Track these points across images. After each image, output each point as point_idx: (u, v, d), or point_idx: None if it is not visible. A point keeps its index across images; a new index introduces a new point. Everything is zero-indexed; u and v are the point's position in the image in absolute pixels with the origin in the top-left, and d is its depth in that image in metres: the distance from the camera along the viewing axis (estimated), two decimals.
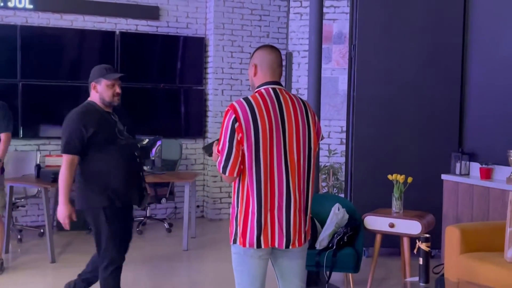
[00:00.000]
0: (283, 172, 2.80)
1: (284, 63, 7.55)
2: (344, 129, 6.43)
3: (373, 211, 4.80)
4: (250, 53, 7.88)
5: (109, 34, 7.39)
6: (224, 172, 2.79)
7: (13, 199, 6.21)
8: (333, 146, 6.80)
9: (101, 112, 3.80)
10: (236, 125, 2.74)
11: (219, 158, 2.80)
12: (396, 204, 4.72)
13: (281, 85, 2.94)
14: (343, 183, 6.34)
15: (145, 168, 5.30)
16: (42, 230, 6.58)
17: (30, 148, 7.04)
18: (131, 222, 4.09)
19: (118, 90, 3.82)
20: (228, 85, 7.75)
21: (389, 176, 4.74)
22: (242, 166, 2.78)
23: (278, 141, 2.80)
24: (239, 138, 2.74)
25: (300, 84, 7.21)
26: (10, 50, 6.88)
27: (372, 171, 5.73)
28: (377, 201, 5.17)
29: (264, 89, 2.88)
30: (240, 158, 2.76)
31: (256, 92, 2.89)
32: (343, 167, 6.49)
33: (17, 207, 6.70)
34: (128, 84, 7.47)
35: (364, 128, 5.81)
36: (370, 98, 5.81)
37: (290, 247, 2.84)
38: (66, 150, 3.68)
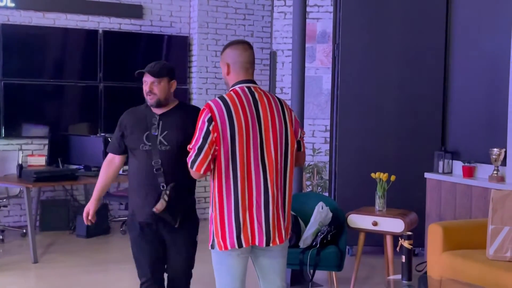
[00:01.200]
0: (260, 170, 2.81)
1: (268, 62, 7.56)
2: (328, 128, 6.45)
3: (356, 209, 4.81)
4: None
5: (92, 33, 7.35)
6: (191, 167, 2.80)
7: None
8: (317, 145, 6.81)
9: (145, 112, 3.48)
10: (212, 124, 2.75)
11: (190, 153, 2.81)
12: (379, 203, 4.74)
13: (255, 83, 2.94)
14: (327, 182, 6.35)
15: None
16: (24, 231, 6.52)
17: (12, 148, 6.97)
18: (163, 240, 3.47)
19: (146, 88, 3.45)
20: (212, 84, 7.74)
21: (372, 175, 4.75)
22: (212, 166, 2.79)
23: (254, 139, 2.81)
24: (214, 138, 2.75)
25: (284, 83, 7.21)
26: None
27: (356, 169, 5.74)
28: (361, 199, 5.19)
29: (239, 87, 2.89)
30: (210, 157, 2.77)
31: (231, 90, 2.89)
32: (327, 166, 6.50)
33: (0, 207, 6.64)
34: (112, 83, 7.47)
35: (347, 126, 5.82)
36: (354, 97, 5.83)
37: (271, 244, 2.84)
38: (107, 147, 3.62)
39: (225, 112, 2.77)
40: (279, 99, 2.97)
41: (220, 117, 2.76)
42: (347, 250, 5.83)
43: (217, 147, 2.77)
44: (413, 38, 5.75)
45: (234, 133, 2.76)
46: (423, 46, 5.73)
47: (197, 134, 2.80)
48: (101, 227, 6.74)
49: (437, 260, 4.06)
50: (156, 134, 3.36)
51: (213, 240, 2.83)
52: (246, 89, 2.87)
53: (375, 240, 5.14)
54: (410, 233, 3.47)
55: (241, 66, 2.91)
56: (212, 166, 2.80)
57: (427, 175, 5.36)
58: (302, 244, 4.41)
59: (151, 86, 3.39)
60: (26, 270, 5.40)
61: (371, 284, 5.05)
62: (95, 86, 7.40)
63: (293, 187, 5.05)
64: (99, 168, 6.38)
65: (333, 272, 4.50)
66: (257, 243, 2.82)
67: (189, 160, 2.81)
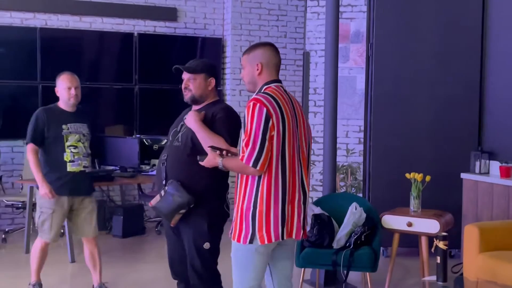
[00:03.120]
0: (300, 166, 2.92)
1: (301, 62, 7.55)
2: (362, 128, 6.40)
3: (391, 210, 4.77)
4: None
5: (128, 36, 7.45)
6: (255, 165, 2.78)
7: (34, 199, 6.27)
8: (351, 146, 6.77)
9: (186, 111, 3.58)
10: (270, 121, 2.77)
11: (248, 152, 2.78)
12: (414, 203, 4.69)
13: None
14: (362, 182, 6.31)
15: None
16: (62, 231, 6.63)
17: None
18: (179, 239, 3.51)
19: (183, 84, 3.51)
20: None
21: (407, 175, 4.71)
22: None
23: (295, 136, 2.89)
24: (272, 134, 2.79)
25: (318, 83, 7.19)
26: (30, 53, 6.97)
27: (390, 170, 5.69)
28: (395, 200, 5.13)
29: (275, 86, 2.95)
30: (269, 153, 2.80)
31: (268, 88, 2.92)
32: (361, 166, 6.46)
33: None
34: (147, 85, 7.56)
35: (382, 126, 5.78)
36: (388, 97, 5.78)
37: (302, 237, 2.97)
38: None
39: (277, 108, 2.82)
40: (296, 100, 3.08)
41: (275, 113, 2.80)
42: (381, 251, 5.80)
43: (272, 142, 2.81)
44: (448, 36, 5.67)
45: (285, 129, 2.84)
46: (458, 45, 5.64)
47: (253, 131, 2.78)
48: (136, 227, 6.82)
49: (473, 261, 4.00)
50: (179, 130, 3.44)
51: (253, 234, 2.83)
52: (281, 88, 2.96)
53: (410, 241, 5.08)
54: (445, 233, 3.44)
55: (275, 66, 3.00)
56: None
57: (463, 175, 5.28)
58: (336, 244, 4.40)
59: (187, 83, 3.44)
60: (63, 269, 5.50)
61: (406, 285, 5.00)
62: (131, 88, 7.50)
63: (326, 187, 5.07)
64: (134, 169, 6.55)
65: (367, 273, 4.47)
66: (293, 236, 2.91)
67: (249, 159, 2.78)
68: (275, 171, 2.82)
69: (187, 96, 3.45)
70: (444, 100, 5.67)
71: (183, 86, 3.47)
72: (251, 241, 2.85)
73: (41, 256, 4.53)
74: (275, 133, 2.79)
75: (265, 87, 2.93)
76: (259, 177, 2.83)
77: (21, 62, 6.99)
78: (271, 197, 2.83)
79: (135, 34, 7.47)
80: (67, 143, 4.33)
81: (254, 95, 2.90)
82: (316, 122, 6.78)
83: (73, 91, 4.39)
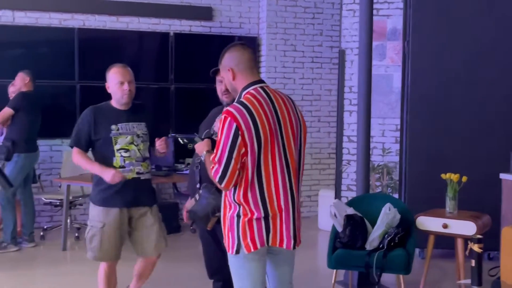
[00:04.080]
0: (285, 173, 2.74)
1: (337, 61, 7.46)
2: (399, 127, 6.30)
3: (426, 211, 4.67)
4: (303, 51, 7.84)
5: (164, 36, 7.50)
6: (220, 183, 2.69)
7: (71, 197, 6.38)
8: (387, 145, 6.66)
9: (216, 110, 3.59)
10: (239, 138, 2.63)
11: (216, 167, 2.68)
12: (450, 204, 4.58)
13: (264, 82, 2.85)
14: (397, 182, 6.21)
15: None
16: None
17: None
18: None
19: (222, 87, 3.43)
20: (281, 84, 7.72)
21: (443, 175, 4.60)
22: (240, 177, 2.69)
23: (278, 143, 2.73)
24: (242, 152, 2.64)
25: (353, 82, 7.09)
26: (68, 53, 7.09)
27: (427, 170, 5.57)
28: (432, 201, 5.01)
29: (253, 89, 2.77)
30: (237, 171, 2.66)
31: (246, 94, 2.76)
32: (398, 166, 6.35)
33: (75, 205, 6.88)
34: (183, 84, 7.60)
35: (418, 126, 5.67)
36: (425, 95, 5.66)
37: (296, 246, 2.83)
38: None
39: (250, 120, 2.65)
40: (289, 97, 2.88)
41: (246, 128, 2.64)
42: (418, 252, 5.70)
43: (244, 158, 2.66)
44: (487, 34, 5.53)
45: (260, 141, 2.66)
46: (498, 42, 5.49)
47: (221, 146, 2.66)
48: (171, 226, 6.85)
49: (511, 264, 3.87)
50: (213, 133, 3.39)
51: (238, 244, 2.73)
52: (261, 90, 2.77)
53: (448, 243, 4.96)
54: (480, 236, 3.35)
55: (245, 66, 2.79)
56: (240, 177, 2.70)
57: (502, 175, 5.12)
58: (369, 246, 4.33)
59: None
60: (97, 267, 5.55)
61: None
62: (167, 88, 7.56)
63: (360, 187, 4.99)
64: (169, 167, 6.58)
65: (401, 275, 4.38)
66: (284, 247, 2.77)
67: (216, 175, 2.69)
68: (251, 184, 2.68)
69: (228, 99, 3.34)
70: (482, 99, 5.53)
71: (223, 88, 3.36)
72: (237, 251, 2.75)
73: (106, 283, 3.93)
74: (247, 149, 2.64)
75: (243, 93, 2.77)
76: (236, 189, 2.71)
77: (59, 62, 7.11)
78: (251, 209, 2.70)
79: (171, 33, 7.51)
80: (116, 146, 3.71)
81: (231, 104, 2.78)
82: (352, 121, 6.70)
83: (126, 86, 3.73)
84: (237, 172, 2.67)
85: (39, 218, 6.94)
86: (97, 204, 3.80)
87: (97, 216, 3.77)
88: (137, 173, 3.77)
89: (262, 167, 2.69)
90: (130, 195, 3.76)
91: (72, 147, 3.81)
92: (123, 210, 3.77)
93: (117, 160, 3.71)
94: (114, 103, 3.82)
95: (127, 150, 3.72)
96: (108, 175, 3.63)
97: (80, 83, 7.10)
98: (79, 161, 3.78)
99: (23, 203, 6.21)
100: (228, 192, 2.76)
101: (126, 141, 3.74)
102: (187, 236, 6.80)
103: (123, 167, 3.71)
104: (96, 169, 3.72)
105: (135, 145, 3.75)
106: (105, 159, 3.72)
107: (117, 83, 3.72)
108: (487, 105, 5.52)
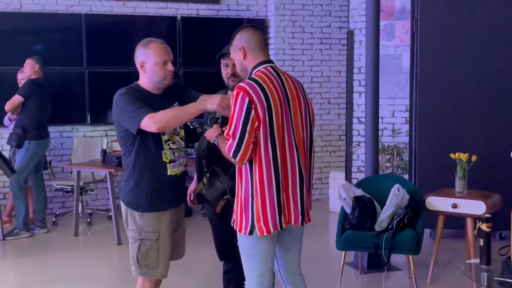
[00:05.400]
0: (294, 150, 2.80)
1: (346, 41, 7.41)
2: (409, 107, 6.25)
3: (435, 191, 4.64)
4: (311, 33, 7.78)
5: (171, 19, 7.47)
6: (234, 157, 2.71)
7: (81, 183, 6.41)
8: (397, 126, 6.62)
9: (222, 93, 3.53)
10: (252, 111, 2.66)
11: (230, 142, 2.71)
12: (459, 184, 4.54)
13: (274, 63, 2.89)
14: (408, 163, 6.17)
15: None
16: (111, 214, 6.77)
17: (97, 134, 7.24)
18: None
19: (228, 71, 3.40)
20: (290, 66, 7.68)
21: (452, 155, 4.56)
22: (253, 151, 2.71)
23: (287, 120, 2.78)
24: (255, 126, 2.67)
25: (362, 62, 7.02)
26: (76, 39, 7.08)
27: (437, 150, 5.54)
28: (443, 181, 4.98)
29: (263, 68, 2.82)
30: (251, 145, 2.69)
31: (256, 72, 2.81)
32: (408, 146, 6.31)
33: (86, 191, 6.92)
34: (191, 68, 7.57)
35: (427, 105, 5.62)
36: (434, 75, 5.61)
37: (304, 223, 2.87)
38: None
39: (262, 95, 2.70)
40: (297, 80, 2.93)
41: (259, 101, 2.68)
42: (429, 233, 5.68)
43: (257, 133, 2.69)
44: (497, 11, 5.45)
45: (272, 116, 2.71)
46: (507, 20, 5.41)
47: (234, 120, 2.70)
48: None
49: None
50: (218, 116, 3.36)
51: (252, 226, 2.76)
52: (271, 69, 2.82)
53: (457, 223, 4.95)
54: (488, 215, 3.32)
55: (257, 45, 2.84)
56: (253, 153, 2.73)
57: None
58: (378, 227, 4.32)
59: (234, 69, 3.28)
60: (110, 252, 5.61)
61: (451, 268, 4.88)
62: (175, 72, 7.47)
63: (368, 168, 4.97)
64: None
65: (410, 256, 4.37)
66: (293, 223, 2.82)
67: (230, 150, 2.71)
68: (266, 159, 2.71)
69: (235, 82, 3.30)
70: (491, 77, 5.47)
71: (229, 72, 3.35)
72: (250, 232, 2.78)
73: None
74: (260, 123, 2.68)
75: (254, 71, 2.82)
76: (251, 167, 2.74)
77: (67, 49, 7.11)
78: (264, 186, 2.73)
79: (178, 17, 7.48)
80: (164, 137, 3.07)
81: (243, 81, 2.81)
82: (361, 102, 6.65)
83: (170, 66, 3.12)
84: (251, 146, 2.69)
85: (51, 204, 6.99)
86: (145, 211, 3.09)
87: (149, 226, 3.08)
88: (184, 166, 3.21)
89: (276, 144, 2.73)
90: (178, 192, 3.23)
91: (140, 123, 2.92)
92: (173, 212, 3.18)
93: (166, 154, 3.07)
94: (147, 85, 3.16)
95: (173, 142, 3.11)
96: (215, 101, 2.93)
97: (88, 69, 7.10)
98: (163, 116, 2.92)
99: (35, 190, 6.26)
100: (242, 168, 2.78)
101: (171, 131, 3.11)
102: (198, 220, 6.82)
103: (173, 161, 3.09)
104: (191, 107, 3.00)
105: (176, 135, 3.16)
106: (153, 154, 3.05)
107: (160, 62, 3.09)
108: (497, 83, 5.46)
